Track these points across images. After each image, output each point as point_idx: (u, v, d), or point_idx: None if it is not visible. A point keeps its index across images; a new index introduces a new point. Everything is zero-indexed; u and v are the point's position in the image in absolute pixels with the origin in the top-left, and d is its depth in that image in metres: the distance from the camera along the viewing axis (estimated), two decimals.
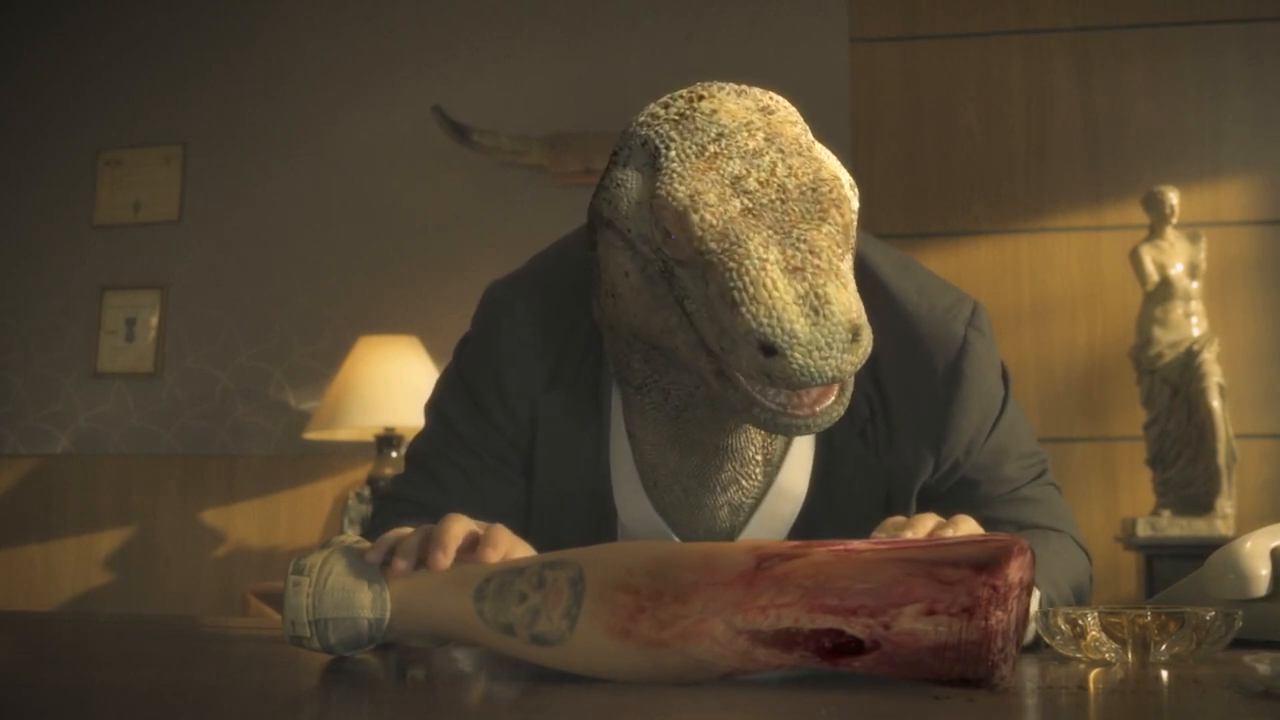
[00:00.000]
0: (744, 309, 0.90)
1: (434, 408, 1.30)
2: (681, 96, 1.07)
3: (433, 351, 3.48)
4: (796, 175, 0.95)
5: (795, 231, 0.93)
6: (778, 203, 0.94)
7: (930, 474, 1.19)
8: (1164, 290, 3.16)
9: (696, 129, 1.01)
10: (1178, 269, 3.17)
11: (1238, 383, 3.28)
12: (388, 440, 3.37)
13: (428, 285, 3.69)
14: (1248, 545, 1.27)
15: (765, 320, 0.90)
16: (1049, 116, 3.56)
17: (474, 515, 1.00)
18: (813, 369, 0.90)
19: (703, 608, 0.83)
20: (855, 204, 1.02)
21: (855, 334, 0.91)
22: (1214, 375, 3.09)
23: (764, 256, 0.91)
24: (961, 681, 0.79)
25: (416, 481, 1.26)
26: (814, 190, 0.95)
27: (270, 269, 3.77)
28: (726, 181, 0.95)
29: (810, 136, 1.03)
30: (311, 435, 3.46)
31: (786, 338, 0.89)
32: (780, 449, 1.15)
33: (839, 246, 0.94)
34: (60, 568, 3.76)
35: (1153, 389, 3.15)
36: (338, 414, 3.31)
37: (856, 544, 0.83)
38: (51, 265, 3.89)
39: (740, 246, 0.92)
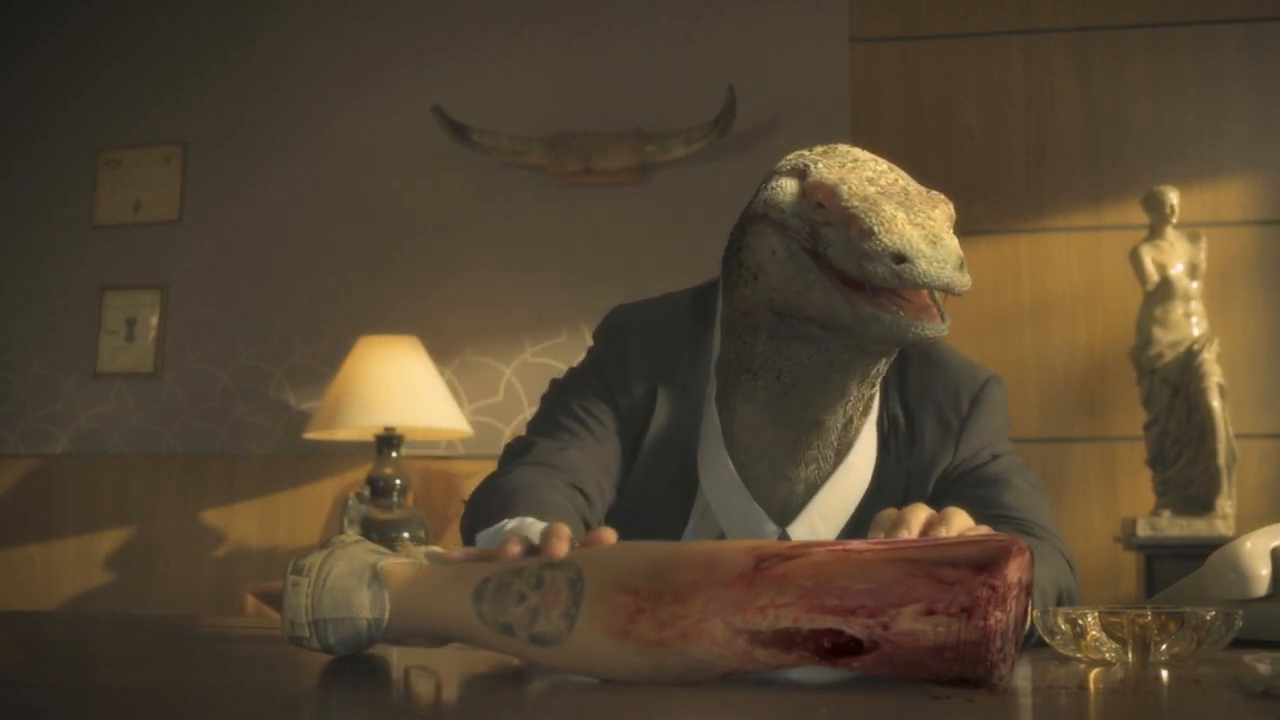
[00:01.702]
0: (881, 236, 1.18)
1: (556, 390, 1.49)
2: (819, 147, 1.35)
3: (433, 351, 3.48)
4: (913, 186, 1.26)
5: (916, 207, 1.22)
6: (902, 195, 1.23)
7: (946, 464, 1.40)
8: (1164, 290, 3.16)
9: (837, 155, 1.30)
10: (1178, 269, 3.17)
11: (1238, 383, 3.28)
12: (388, 440, 3.37)
13: (428, 285, 3.69)
14: (1248, 545, 1.27)
15: (898, 240, 1.18)
16: (1049, 116, 3.56)
17: (576, 465, 1.34)
18: (934, 272, 1.16)
19: (702, 608, 0.83)
20: (952, 209, 1.28)
21: (961, 264, 1.18)
22: (1214, 375, 3.09)
23: (894, 213, 1.20)
24: (961, 681, 0.79)
25: (538, 433, 1.44)
26: (927, 194, 1.26)
27: (270, 269, 3.77)
28: (864, 180, 1.25)
29: None
30: (311, 435, 3.46)
31: (914, 250, 1.17)
32: (852, 436, 1.38)
33: (948, 222, 1.23)
34: (60, 568, 3.76)
35: (1153, 389, 3.15)
36: (338, 414, 3.31)
37: (855, 544, 0.83)
38: (51, 265, 3.89)
39: (876, 204, 1.21)
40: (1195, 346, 3.11)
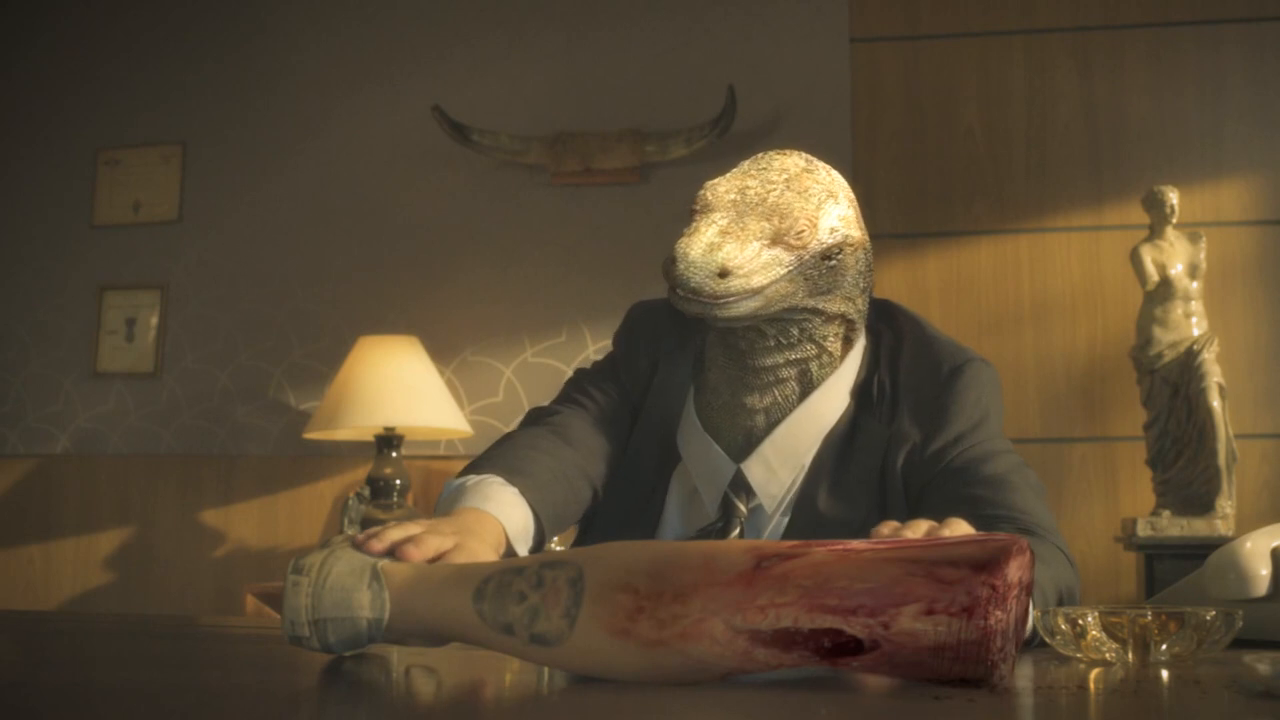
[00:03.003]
0: (680, 239, 1.36)
1: (578, 373, 1.65)
2: (767, 152, 1.50)
3: (433, 351, 3.48)
4: (775, 196, 1.40)
5: (745, 217, 1.38)
6: (755, 204, 1.40)
7: (924, 449, 1.46)
8: (1164, 290, 3.16)
9: (757, 161, 1.46)
10: (1178, 269, 3.17)
11: (1238, 383, 3.28)
12: (387, 440, 3.37)
13: (428, 285, 3.69)
14: (1248, 545, 1.27)
15: (677, 246, 1.35)
16: (1050, 116, 3.56)
17: (595, 427, 1.54)
18: (682, 276, 1.34)
19: (702, 607, 0.83)
20: (829, 239, 1.42)
21: (725, 274, 1.34)
22: (1214, 375, 3.09)
23: (713, 219, 1.38)
24: (961, 681, 0.79)
25: (556, 402, 1.61)
26: (774, 206, 1.40)
27: (270, 269, 3.77)
28: (738, 187, 1.41)
29: (829, 196, 1.45)
30: (311, 435, 3.46)
31: (678, 254, 1.35)
32: (819, 378, 1.49)
33: (764, 234, 1.37)
34: (60, 568, 3.76)
35: (1153, 389, 3.15)
36: (337, 414, 3.31)
37: (856, 544, 0.83)
38: (51, 265, 3.89)
39: (705, 213, 1.39)
40: (1195, 346, 3.11)
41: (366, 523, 3.31)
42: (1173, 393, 3.12)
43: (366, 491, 3.40)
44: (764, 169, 1.44)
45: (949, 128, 3.59)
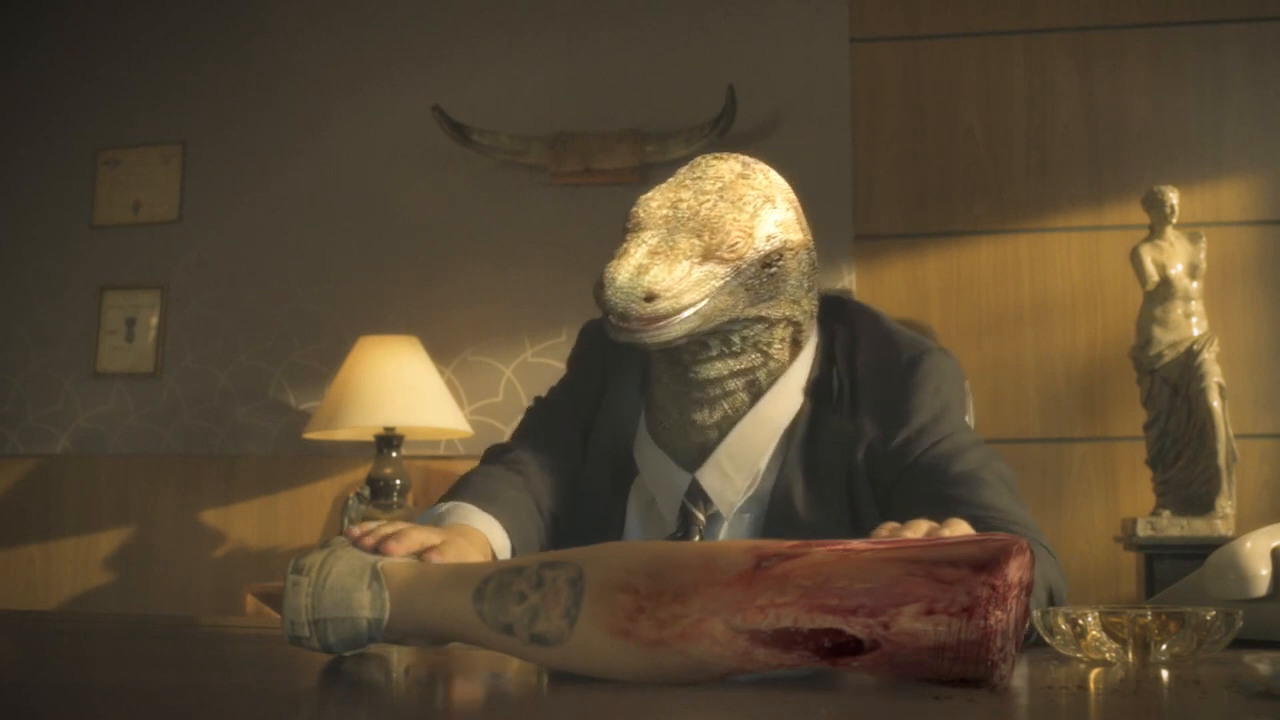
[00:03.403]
0: (610, 262, 1.33)
1: (536, 403, 1.67)
2: (704, 156, 1.48)
3: (432, 351, 3.48)
4: (707, 209, 1.37)
5: (676, 235, 1.35)
6: (688, 218, 1.36)
7: (886, 443, 1.44)
8: (1164, 290, 3.16)
9: (692, 169, 1.43)
10: (1178, 269, 3.17)
11: (1238, 383, 3.28)
12: (387, 440, 3.37)
13: (428, 285, 3.69)
14: (1248, 545, 1.27)
15: (608, 270, 1.32)
16: (1050, 116, 3.56)
17: (547, 456, 1.55)
18: (611, 301, 1.31)
19: (702, 607, 0.83)
20: (767, 246, 1.39)
21: (650, 297, 1.31)
22: (1214, 375, 3.09)
23: (643, 238, 1.35)
24: (961, 681, 0.79)
25: (515, 438, 1.63)
26: (706, 220, 1.36)
27: (270, 269, 3.77)
28: (671, 201, 1.38)
29: (766, 201, 1.42)
30: (311, 435, 3.46)
31: (605, 279, 1.32)
32: (767, 383, 1.46)
33: (695, 252, 1.35)
34: (60, 568, 3.76)
35: (1153, 389, 3.15)
36: (337, 414, 3.31)
37: (856, 544, 0.83)
38: (51, 265, 3.89)
39: (635, 232, 1.36)
40: (1195, 346, 3.11)
41: (367, 523, 3.31)
42: (1173, 393, 3.12)
43: (366, 491, 3.40)
44: (698, 178, 1.41)
45: (949, 128, 3.59)
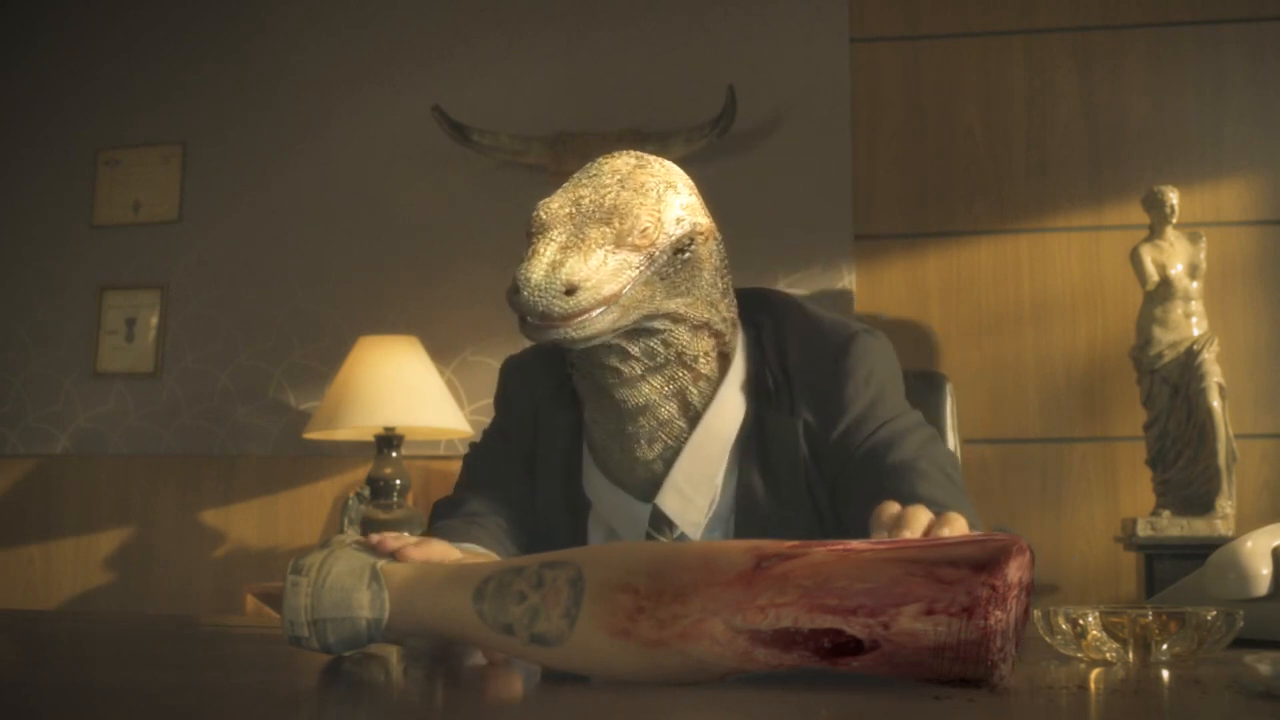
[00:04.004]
0: (521, 265, 1.30)
1: (472, 450, 1.64)
2: (604, 156, 1.45)
3: (432, 351, 3.48)
4: (610, 200, 1.34)
5: (584, 228, 1.32)
6: (592, 211, 1.33)
7: (826, 436, 1.43)
8: (1164, 290, 3.16)
9: (588, 169, 1.40)
10: (1178, 269, 3.17)
11: (1238, 383, 3.28)
12: (387, 440, 3.37)
13: (428, 285, 3.69)
14: (1248, 545, 1.27)
15: (520, 272, 1.29)
16: (1050, 116, 3.56)
17: (500, 501, 1.51)
18: (530, 302, 1.28)
19: (702, 607, 0.82)
20: (677, 230, 1.36)
21: (572, 290, 1.28)
22: (1214, 375, 3.09)
23: (552, 237, 1.31)
24: (961, 681, 0.79)
25: (459, 488, 1.60)
26: (611, 209, 1.33)
27: (270, 269, 3.77)
28: (573, 200, 1.35)
29: (668, 187, 1.39)
30: (311, 435, 3.46)
31: (521, 281, 1.28)
32: (701, 402, 1.43)
33: (607, 240, 1.32)
34: (60, 567, 3.76)
35: (1153, 389, 3.15)
36: (337, 414, 3.31)
37: (856, 544, 0.83)
38: (51, 265, 3.89)
39: (542, 232, 1.32)
40: (1195, 346, 3.11)
41: (366, 523, 3.31)
42: (1173, 393, 3.12)
43: (366, 491, 3.40)
44: (595, 175, 1.38)
45: (949, 128, 3.59)
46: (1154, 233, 3.20)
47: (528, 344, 1.57)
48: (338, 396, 3.34)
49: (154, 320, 3.81)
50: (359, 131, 3.79)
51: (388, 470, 3.35)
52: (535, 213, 1.34)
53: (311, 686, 0.91)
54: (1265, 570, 1.24)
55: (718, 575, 0.83)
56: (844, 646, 0.80)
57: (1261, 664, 0.96)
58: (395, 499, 3.35)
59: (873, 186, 3.55)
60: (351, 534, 1.05)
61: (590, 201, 1.33)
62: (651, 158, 1.43)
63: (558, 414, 1.53)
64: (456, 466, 3.94)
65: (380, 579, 0.96)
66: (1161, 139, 3.50)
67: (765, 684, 0.86)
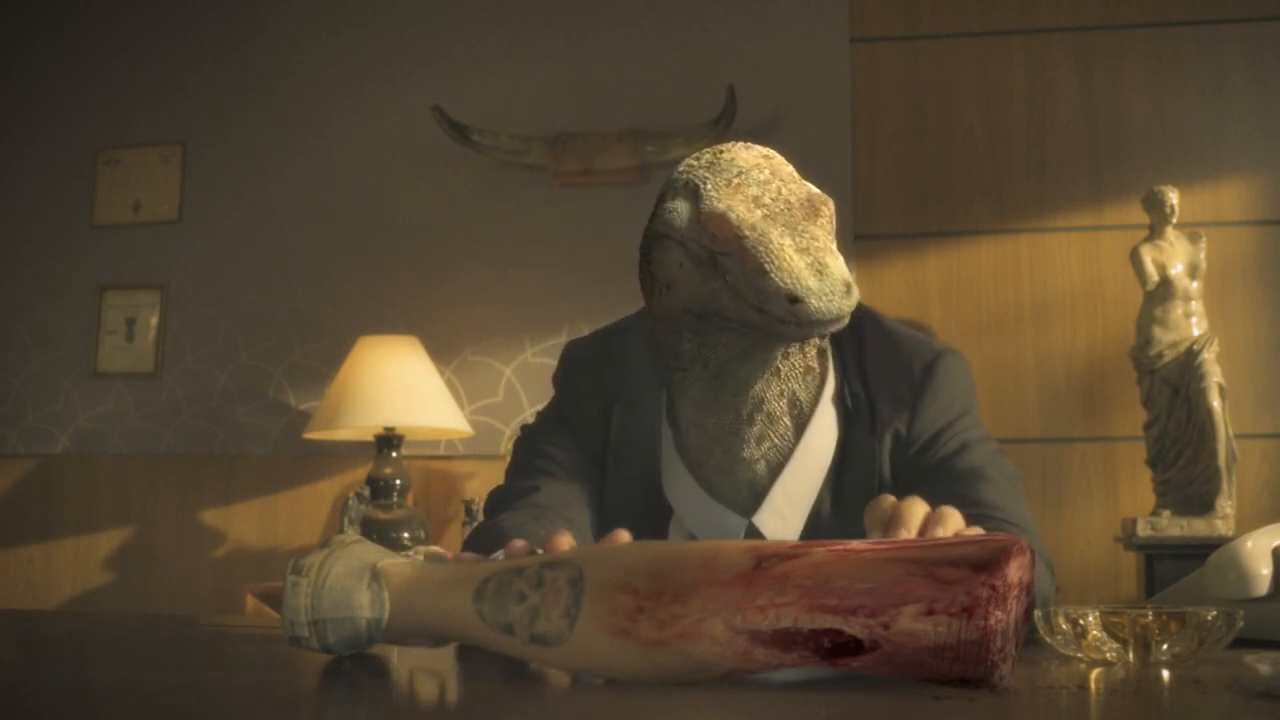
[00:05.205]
0: (773, 275, 1.26)
1: (527, 434, 1.57)
2: (708, 151, 1.39)
3: (432, 351, 3.48)
4: (795, 194, 1.33)
5: (799, 227, 1.29)
6: (784, 211, 1.31)
7: (904, 454, 1.42)
8: (1164, 290, 3.16)
9: (722, 170, 1.34)
10: (1178, 269, 3.17)
11: (1238, 383, 3.28)
12: (387, 440, 3.37)
13: (428, 285, 3.69)
14: (1248, 545, 1.27)
15: (789, 281, 1.25)
16: (1050, 116, 3.56)
17: (564, 493, 1.45)
18: (824, 308, 1.25)
19: (702, 608, 0.82)
20: (832, 208, 1.36)
21: (848, 288, 1.27)
22: (1214, 375, 3.09)
23: (781, 241, 1.27)
24: (961, 681, 0.79)
25: (516, 477, 1.52)
26: (808, 201, 1.33)
27: (270, 269, 3.77)
28: (749, 200, 1.30)
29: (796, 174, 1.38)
30: (311, 435, 3.46)
31: (804, 289, 1.25)
32: (808, 403, 1.41)
33: (828, 234, 1.32)
34: (60, 567, 3.76)
35: (1153, 389, 3.15)
36: (337, 414, 3.31)
37: (856, 544, 0.83)
38: (51, 265, 3.89)
39: (765, 235, 1.28)
40: (1195, 346, 3.11)
41: (366, 523, 3.32)
42: (1173, 393, 3.12)
43: (366, 491, 3.40)
44: (744, 173, 1.32)
45: (949, 128, 3.59)
46: (1154, 233, 3.20)
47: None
48: (338, 396, 3.34)
49: (154, 320, 3.81)
50: (359, 131, 3.79)
51: (388, 470, 3.35)
52: (724, 221, 1.28)
53: (311, 686, 0.91)
54: (1265, 570, 1.24)
55: (718, 575, 0.83)
56: (844, 646, 0.80)
57: (1261, 664, 0.96)
58: (395, 499, 3.35)
59: (873, 186, 3.55)
60: (351, 534, 1.05)
61: (773, 200, 1.30)
62: (763, 148, 1.40)
63: (639, 422, 1.47)
64: (457, 467, 3.91)
65: (380, 579, 0.96)
66: (1161, 139, 3.51)
67: (765, 684, 0.86)
